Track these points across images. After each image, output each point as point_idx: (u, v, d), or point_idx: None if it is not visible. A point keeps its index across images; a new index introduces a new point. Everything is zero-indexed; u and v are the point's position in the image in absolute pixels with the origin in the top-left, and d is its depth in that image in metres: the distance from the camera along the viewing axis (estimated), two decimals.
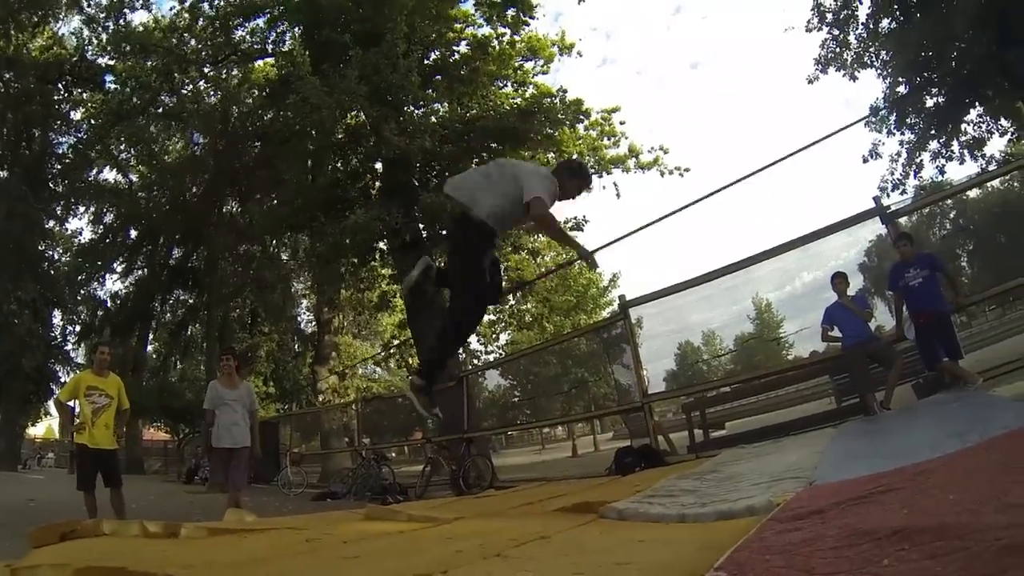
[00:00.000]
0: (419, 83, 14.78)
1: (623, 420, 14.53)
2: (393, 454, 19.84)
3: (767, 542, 1.91)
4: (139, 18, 26.14)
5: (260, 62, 20.41)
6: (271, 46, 18.86)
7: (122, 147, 23.98)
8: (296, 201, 16.22)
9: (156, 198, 24.99)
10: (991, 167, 16.68)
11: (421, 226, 15.20)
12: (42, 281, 22.94)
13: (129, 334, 26.74)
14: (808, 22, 17.81)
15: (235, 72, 20.42)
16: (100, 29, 19.78)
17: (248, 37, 19.11)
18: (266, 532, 4.00)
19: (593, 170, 16.48)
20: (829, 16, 17.43)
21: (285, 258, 23.22)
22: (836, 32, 17.58)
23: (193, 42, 19.05)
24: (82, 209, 25.67)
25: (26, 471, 25.98)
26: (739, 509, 2.73)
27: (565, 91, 16.27)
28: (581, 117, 16.25)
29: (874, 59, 17.46)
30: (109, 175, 26.32)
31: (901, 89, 17.01)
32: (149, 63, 18.49)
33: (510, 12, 16.36)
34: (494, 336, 23.86)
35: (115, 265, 26.68)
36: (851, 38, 17.54)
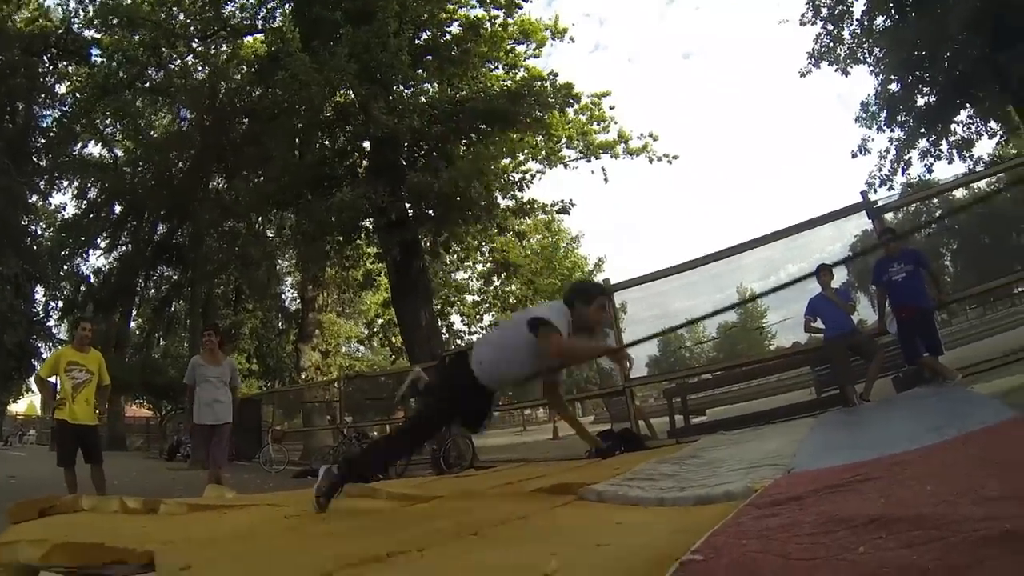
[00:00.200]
0: (409, 63, 14.70)
1: (604, 404, 14.58)
2: (375, 433, 19.84)
3: (744, 527, 1.92)
4: None
5: (249, 38, 20.24)
6: (261, 22, 18.72)
7: (108, 121, 23.80)
8: (283, 178, 16.14)
9: (141, 173, 24.77)
10: (978, 168, 16.80)
11: (407, 205, 15.16)
12: (24, 256, 22.64)
13: (112, 310, 26.54)
14: (803, 15, 17.88)
15: (224, 48, 20.24)
16: (87, 1, 19.48)
17: (238, 12, 18.96)
18: (246, 508, 3.99)
19: (582, 155, 16.52)
20: (824, 10, 17.49)
21: (270, 235, 23.04)
22: (830, 27, 17.64)
23: (182, 16, 18.86)
24: (66, 184, 25.43)
25: (7, 448, 25.89)
26: (717, 494, 2.74)
27: (556, 75, 16.25)
28: (571, 101, 16.23)
29: (867, 55, 17.56)
30: (94, 150, 26.17)
31: (893, 87, 17.09)
32: (136, 37, 18.31)
33: None
34: (478, 316, 23.89)
35: (99, 240, 26.44)
36: (845, 33, 17.63)
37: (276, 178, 16.51)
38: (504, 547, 2.16)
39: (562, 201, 17.22)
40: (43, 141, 22.87)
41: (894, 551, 1.46)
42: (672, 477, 3.57)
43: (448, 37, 16.78)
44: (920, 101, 16.65)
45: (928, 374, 7.15)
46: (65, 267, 26.17)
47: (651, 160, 16.58)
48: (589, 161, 16.65)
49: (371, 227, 16.20)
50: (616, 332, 10.00)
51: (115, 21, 18.14)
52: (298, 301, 28.15)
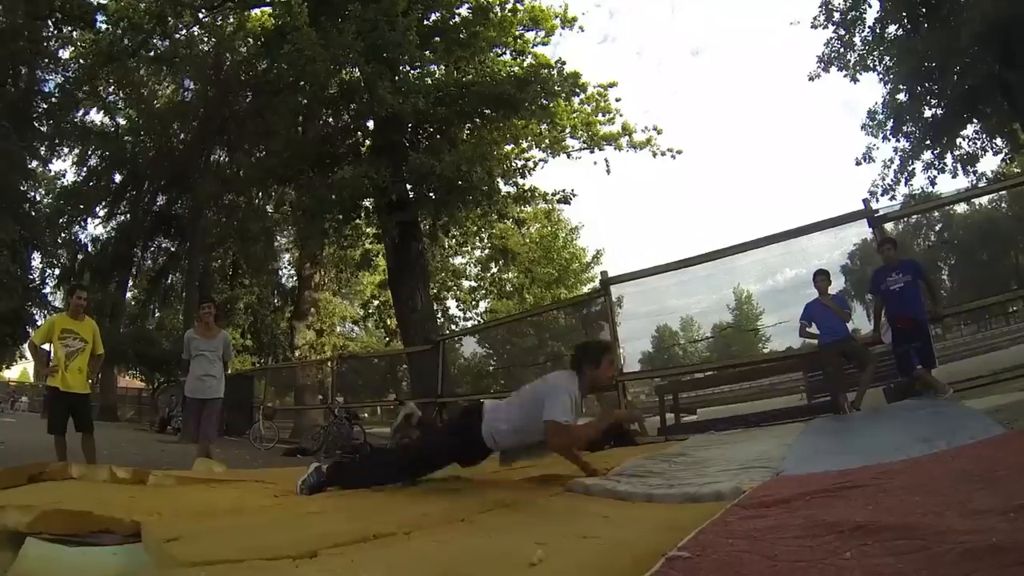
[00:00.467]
0: (417, 43, 14.59)
1: (596, 397, 14.63)
2: (366, 414, 19.91)
3: (731, 527, 1.94)
4: None
5: (256, 11, 20.06)
6: None
7: (111, 89, 23.55)
8: (285, 153, 16.08)
9: (143, 143, 24.64)
10: (981, 184, 16.79)
11: (408, 186, 15.11)
12: (22, 222, 22.46)
13: (108, 279, 26.44)
14: (815, 19, 17.78)
15: (230, 19, 20.05)
16: None
17: None
18: (234, 484, 4.01)
19: (585, 146, 16.50)
20: (837, 15, 17.38)
21: (270, 210, 22.97)
22: (842, 32, 17.55)
23: None
24: (66, 150, 25.14)
25: None
26: (706, 493, 2.76)
27: (564, 63, 16.13)
28: (577, 91, 16.16)
29: (877, 63, 17.47)
30: (96, 117, 25.78)
31: (901, 96, 17.04)
32: (142, 4, 18.14)
33: None
34: (473, 303, 23.89)
35: (98, 209, 26.30)
36: (856, 40, 17.54)
37: (278, 153, 16.45)
38: (491, 534, 2.18)
39: (563, 190, 17.15)
40: (45, 106, 22.62)
41: (879, 558, 1.47)
42: (661, 475, 3.59)
43: (457, 19, 16.64)
44: (927, 113, 16.61)
45: (920, 386, 7.17)
46: (63, 234, 25.95)
47: (654, 154, 16.53)
48: (592, 152, 16.57)
49: (371, 207, 16.13)
50: (611, 325, 10.03)
51: None
52: (295, 278, 28.12)
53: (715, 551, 1.64)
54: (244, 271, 27.31)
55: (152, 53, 20.59)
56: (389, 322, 23.10)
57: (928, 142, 16.93)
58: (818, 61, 18.19)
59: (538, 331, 27.63)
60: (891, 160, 17.51)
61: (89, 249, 27.07)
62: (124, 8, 18.16)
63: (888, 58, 17.04)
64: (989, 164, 18.07)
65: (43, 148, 23.65)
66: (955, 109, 15.82)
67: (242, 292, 27.55)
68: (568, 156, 16.74)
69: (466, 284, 23.86)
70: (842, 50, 17.75)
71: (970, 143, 17.02)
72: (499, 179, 16.01)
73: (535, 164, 16.73)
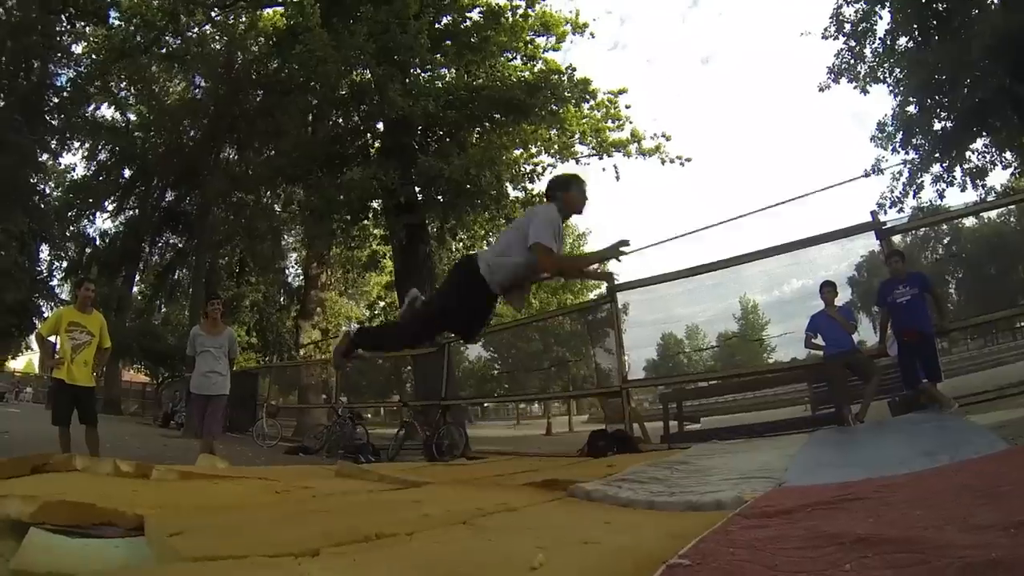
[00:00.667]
0: (428, 46, 14.66)
1: (600, 403, 14.60)
2: (369, 415, 19.92)
3: (732, 536, 1.94)
4: None
5: (269, 10, 20.16)
6: None
7: (122, 85, 23.69)
8: (294, 153, 16.14)
9: (153, 139, 24.74)
10: (990, 198, 16.71)
11: (417, 189, 15.14)
12: (32, 214, 22.58)
13: (116, 273, 26.53)
14: (825, 29, 17.73)
15: (242, 18, 20.15)
16: None
17: None
18: (236, 480, 4.02)
19: (594, 152, 16.49)
20: (847, 26, 17.34)
21: (278, 209, 23.04)
22: (852, 43, 17.49)
23: None
24: (77, 144, 25.23)
25: (3, 404, 25.91)
26: (707, 502, 2.76)
27: (574, 69, 16.22)
28: (587, 97, 16.20)
29: (887, 75, 17.40)
30: (107, 112, 25.98)
31: (911, 109, 16.96)
32: (155, 2, 18.28)
33: None
34: None
35: (107, 203, 26.40)
36: (867, 51, 17.48)
37: (287, 152, 16.52)
38: (492, 538, 2.18)
39: None
40: (56, 100, 22.74)
41: (879, 571, 1.48)
42: (663, 482, 3.59)
43: (468, 23, 16.72)
44: (937, 125, 16.51)
45: (925, 399, 7.14)
46: (71, 227, 26.14)
47: (663, 161, 16.58)
48: (601, 158, 16.63)
49: (379, 208, 16.19)
50: (617, 332, 10.03)
51: None
52: (301, 277, 28.20)
53: (716, 560, 1.65)
54: (251, 269, 27.40)
55: (164, 50, 20.73)
56: None
57: (937, 155, 16.84)
58: (828, 72, 18.15)
59: (543, 336, 27.65)
60: (900, 172, 17.44)
61: (97, 243, 27.24)
62: (137, 5, 18.32)
63: (898, 70, 16.98)
64: (998, 178, 18.02)
65: (54, 142, 23.73)
66: (965, 122, 15.74)
67: (248, 290, 27.63)
68: (577, 162, 16.77)
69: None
70: (852, 61, 17.70)
71: (979, 157, 16.93)
72: (507, 183, 16.04)
73: (544, 169, 16.74)
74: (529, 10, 16.65)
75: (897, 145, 17.36)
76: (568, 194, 4.34)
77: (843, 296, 8.98)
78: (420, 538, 2.09)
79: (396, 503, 3.21)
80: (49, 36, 20.68)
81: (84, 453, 5.99)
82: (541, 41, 16.95)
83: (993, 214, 34.51)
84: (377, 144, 16.38)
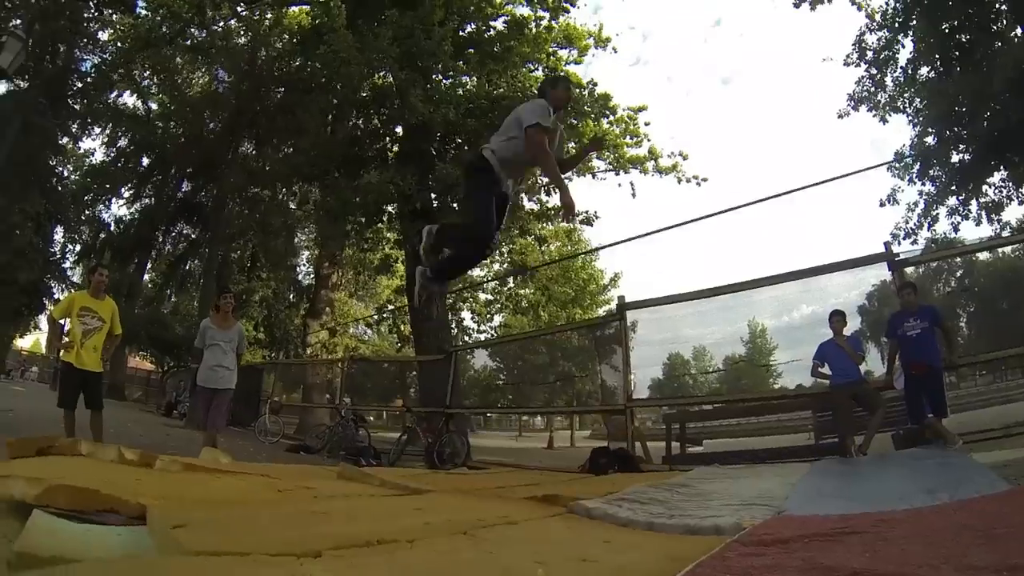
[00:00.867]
0: (451, 53, 14.72)
1: (603, 420, 14.58)
2: (371, 418, 19.91)
3: (729, 562, 1.95)
4: None
5: (295, 8, 20.31)
6: None
7: (145, 74, 23.83)
8: (312, 152, 16.20)
9: (173, 129, 24.84)
10: (1006, 233, 16.62)
11: (433, 195, 15.16)
12: (48, 196, 22.78)
13: (128, 260, 26.63)
14: (847, 56, 17.69)
15: (268, 15, 20.29)
16: None
17: None
18: (239, 476, 4.04)
19: (611, 167, 16.49)
20: (870, 54, 17.32)
21: (293, 207, 23.13)
22: (874, 71, 17.46)
23: None
24: (97, 130, 25.31)
25: (9, 380, 26.08)
26: (705, 526, 2.76)
27: (595, 84, 16.24)
28: (607, 112, 16.21)
29: (907, 106, 17.35)
30: (129, 100, 26.16)
31: (930, 140, 16.91)
32: None
33: None
34: (488, 316, 23.86)
35: (123, 190, 26.49)
36: (888, 80, 17.43)
37: (306, 151, 16.58)
38: (492, 550, 2.19)
39: (586, 212, 17.18)
40: (80, 85, 22.90)
41: None
42: (663, 503, 3.60)
43: (492, 33, 16.77)
44: (955, 158, 16.46)
45: (930, 435, 7.10)
46: (87, 211, 26.24)
47: (679, 180, 16.56)
48: (618, 174, 16.61)
49: (394, 212, 16.21)
50: (624, 350, 10.03)
51: None
52: (312, 276, 28.27)
53: None
54: (262, 264, 27.47)
55: (189, 42, 20.86)
56: (403, 328, 23.11)
57: (954, 187, 16.78)
58: (848, 99, 18.11)
59: (550, 349, 27.61)
60: (915, 203, 17.38)
61: (112, 228, 27.32)
62: None
63: (918, 100, 16.93)
64: (1014, 213, 17.82)
65: (75, 126, 23.92)
66: (983, 155, 15.68)
67: (258, 285, 27.71)
68: (593, 176, 16.75)
69: (482, 296, 23.84)
70: (873, 90, 17.66)
71: (996, 191, 16.85)
72: (523, 195, 16.05)
73: None
74: (553, 22, 16.70)
75: (914, 176, 17.30)
76: (555, 91, 5.07)
77: (853, 325, 8.97)
78: (421, 546, 2.10)
79: (397, 509, 3.23)
80: (77, 21, 20.83)
81: (88, 437, 6.05)
82: (563, 54, 17.01)
83: (1008, 248, 34.34)
84: (396, 148, 16.42)
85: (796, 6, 16.78)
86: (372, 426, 16.46)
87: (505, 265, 20.99)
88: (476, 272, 23.70)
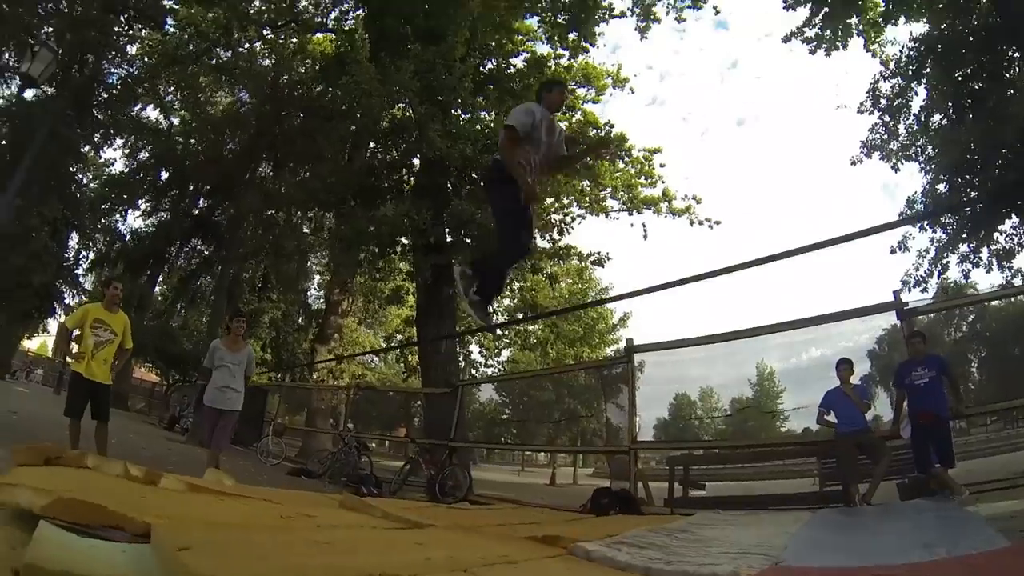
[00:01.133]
0: (471, 89, 14.92)
1: (606, 459, 14.50)
2: (374, 445, 19.87)
3: None
4: None
5: (319, 35, 20.67)
6: (332, 22, 19.16)
7: (170, 90, 24.32)
8: (330, 179, 16.36)
9: (193, 146, 25.20)
10: (1016, 280, 16.55)
11: (447, 230, 15.23)
12: (66, 202, 23.09)
13: (140, 272, 26.87)
14: (861, 104, 17.79)
15: (293, 40, 20.67)
16: None
17: (311, 8, 19.46)
18: (243, 499, 4.04)
19: (625, 207, 16.56)
20: (883, 101, 17.43)
21: (307, 231, 23.33)
22: (887, 118, 17.55)
23: (257, 2, 19.37)
24: (119, 141, 25.70)
25: (14, 381, 26.16)
26: (703, 574, 2.77)
27: (612, 125, 16.42)
28: (622, 152, 16.33)
29: (919, 153, 17.41)
30: (151, 114, 26.64)
31: (941, 187, 16.92)
32: (211, 14, 18.81)
33: (572, 35, 16.61)
34: (496, 351, 23.84)
35: (140, 202, 26.88)
36: (901, 127, 17.51)
37: (323, 177, 16.75)
38: None
39: (599, 252, 17.26)
40: (105, 96, 23.33)
41: None
42: (661, 548, 3.60)
43: (512, 70, 17.02)
44: (966, 205, 16.45)
45: (936, 486, 7.04)
46: (103, 220, 26.54)
47: (692, 223, 16.61)
48: (631, 215, 16.69)
49: (407, 244, 16.29)
50: (630, 391, 10.02)
51: None
52: (322, 301, 28.37)
53: None
54: (273, 286, 27.68)
55: (214, 62, 21.38)
56: (410, 358, 23.10)
57: (965, 235, 16.75)
58: (861, 146, 18.16)
59: (556, 386, 27.52)
60: (926, 251, 17.35)
61: (126, 239, 27.58)
62: (194, 15, 18.94)
63: (931, 148, 16.98)
64: None
65: (97, 135, 24.28)
66: (995, 203, 15.66)
67: (268, 306, 27.89)
68: (607, 216, 16.84)
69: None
70: (886, 137, 17.74)
71: (1007, 238, 16.80)
72: (536, 233, 16.15)
73: (573, 220, 16.84)
74: (572, 61, 16.94)
75: (925, 223, 17.30)
76: (549, 95, 5.36)
77: (862, 369, 8.96)
78: None
79: (399, 543, 3.23)
80: (106, 34, 21.23)
81: (91, 447, 6.11)
82: (581, 92, 17.21)
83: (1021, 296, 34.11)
84: (412, 180, 16.54)
85: (812, 52, 16.95)
86: (374, 453, 16.43)
87: (515, 301, 20.99)
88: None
